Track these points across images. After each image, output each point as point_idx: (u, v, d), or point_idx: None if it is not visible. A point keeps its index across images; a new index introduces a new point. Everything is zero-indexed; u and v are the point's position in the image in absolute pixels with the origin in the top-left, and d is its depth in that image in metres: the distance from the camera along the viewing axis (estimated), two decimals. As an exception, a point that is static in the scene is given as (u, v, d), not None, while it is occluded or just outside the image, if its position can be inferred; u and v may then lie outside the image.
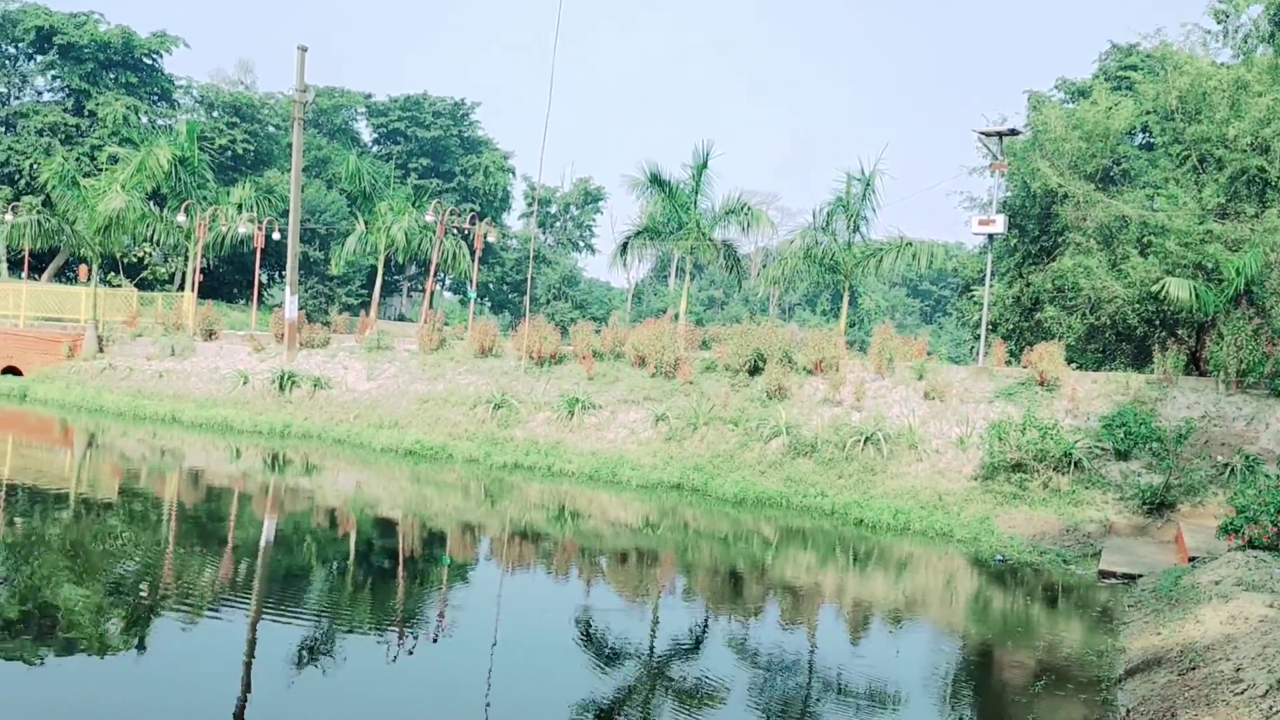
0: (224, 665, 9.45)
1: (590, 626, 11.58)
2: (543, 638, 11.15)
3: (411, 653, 10.17)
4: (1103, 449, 19.28)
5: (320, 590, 12.59)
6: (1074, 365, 24.33)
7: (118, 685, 8.78)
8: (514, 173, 79.65)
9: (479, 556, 15.60)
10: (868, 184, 29.09)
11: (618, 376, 25.23)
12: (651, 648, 10.95)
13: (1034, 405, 20.67)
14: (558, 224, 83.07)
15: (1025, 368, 22.54)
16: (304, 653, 9.87)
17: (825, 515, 18.97)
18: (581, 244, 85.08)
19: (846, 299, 31.90)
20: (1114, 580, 14.60)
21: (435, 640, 10.70)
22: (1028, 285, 29.19)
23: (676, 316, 30.11)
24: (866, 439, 20.70)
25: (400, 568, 14.07)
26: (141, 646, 9.81)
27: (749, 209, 31.76)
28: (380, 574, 13.71)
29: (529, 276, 35.72)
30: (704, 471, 21.00)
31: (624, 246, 33.09)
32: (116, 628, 10.27)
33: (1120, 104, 27.80)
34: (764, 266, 58.81)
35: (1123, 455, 19.17)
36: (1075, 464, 18.81)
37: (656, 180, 30.87)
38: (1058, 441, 18.90)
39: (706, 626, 12.06)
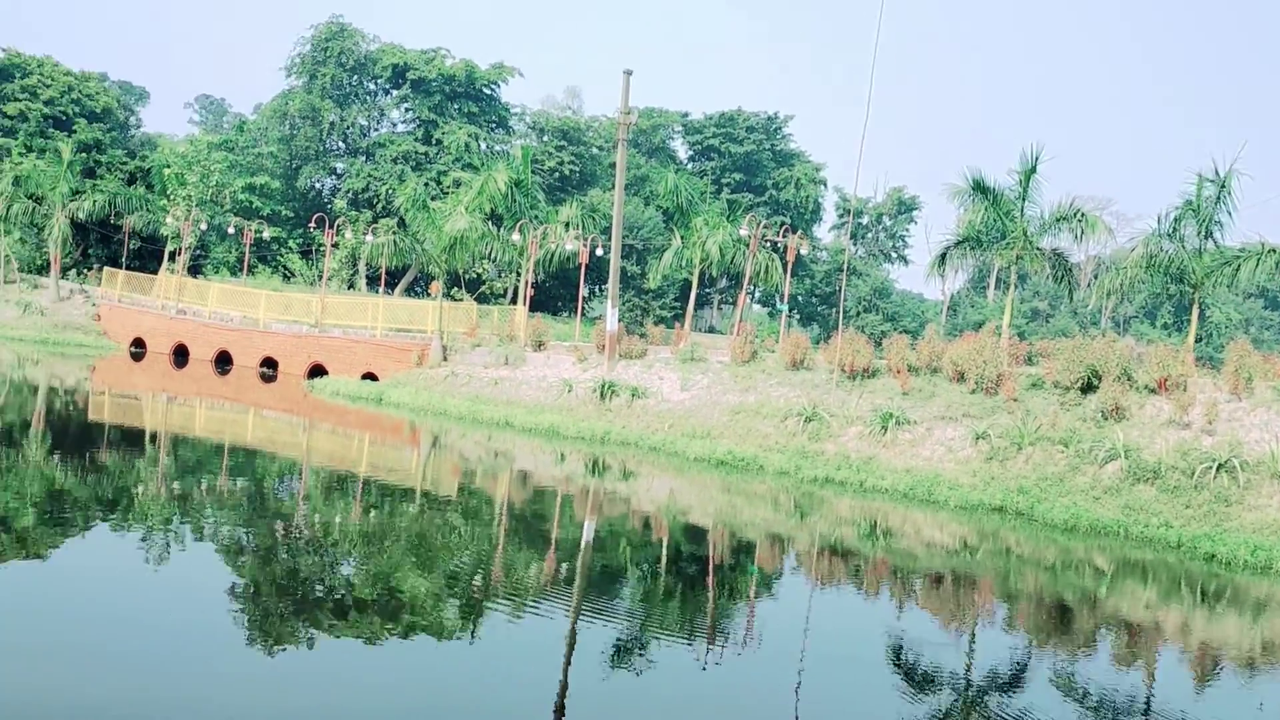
0: (546, 658, 9.92)
1: (901, 648, 11.17)
2: (851, 656, 10.89)
3: (719, 662, 10.23)
4: None
5: (634, 592, 12.97)
6: None
7: (451, 669, 9.44)
8: (825, 184, 79.14)
9: (787, 569, 15.51)
10: (1223, 185, 26.37)
11: (934, 392, 24.33)
12: (967, 676, 10.41)
13: None
14: (869, 235, 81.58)
15: None
16: (619, 652, 10.18)
17: (1169, 548, 17.30)
18: (894, 255, 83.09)
19: (1195, 311, 29.04)
20: None
21: (742, 650, 10.72)
22: None
23: (998, 329, 28.64)
24: (1220, 466, 18.68)
25: (709, 575, 14.24)
26: (473, 634, 10.49)
27: (1083, 215, 29.64)
28: (690, 580, 13.94)
29: (841, 289, 35.27)
30: (1029, 495, 19.78)
31: (942, 257, 31.93)
32: (452, 615, 11.06)
33: None
34: (1095, 277, 54.80)
35: None
36: None
37: (979, 187, 29.53)
38: None
39: (1029, 659, 11.30)
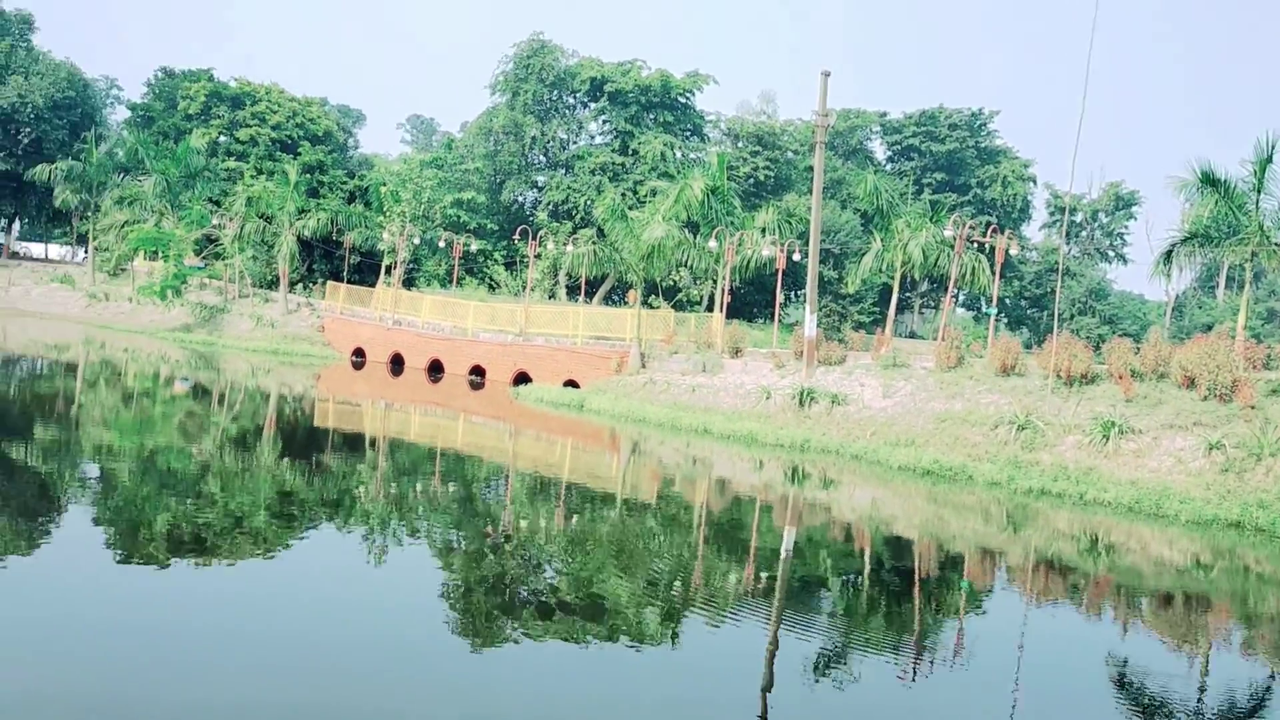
0: (746, 666, 9.80)
1: (1125, 673, 10.43)
2: (1070, 680, 10.25)
3: (927, 677, 9.83)
4: None
5: (836, 603, 12.66)
6: None
7: (652, 674, 9.45)
8: (1034, 181, 75.68)
9: (999, 584, 14.79)
10: None
11: (1160, 399, 22.75)
12: (1199, 707, 9.60)
13: None
14: (1084, 233, 77.39)
15: None
16: (820, 664, 9.94)
17: None
18: (1111, 254, 78.53)
19: None
20: None
21: (951, 668, 10.26)
22: None
23: (1232, 331, 26.50)
24: None
25: (915, 588, 13.75)
26: (674, 640, 10.48)
27: (1328, 206, 27.05)
28: (894, 593, 13.49)
29: (1056, 290, 33.48)
30: (1269, 509, 18.18)
31: (1168, 254, 29.84)
32: (653, 620, 11.09)
33: None
34: (1345, 272, 50.00)
35: None
36: None
37: (1208, 179, 27.44)
38: None
39: (1270, 690, 10.33)
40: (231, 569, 11.93)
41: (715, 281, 42.91)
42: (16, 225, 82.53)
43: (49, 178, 62.70)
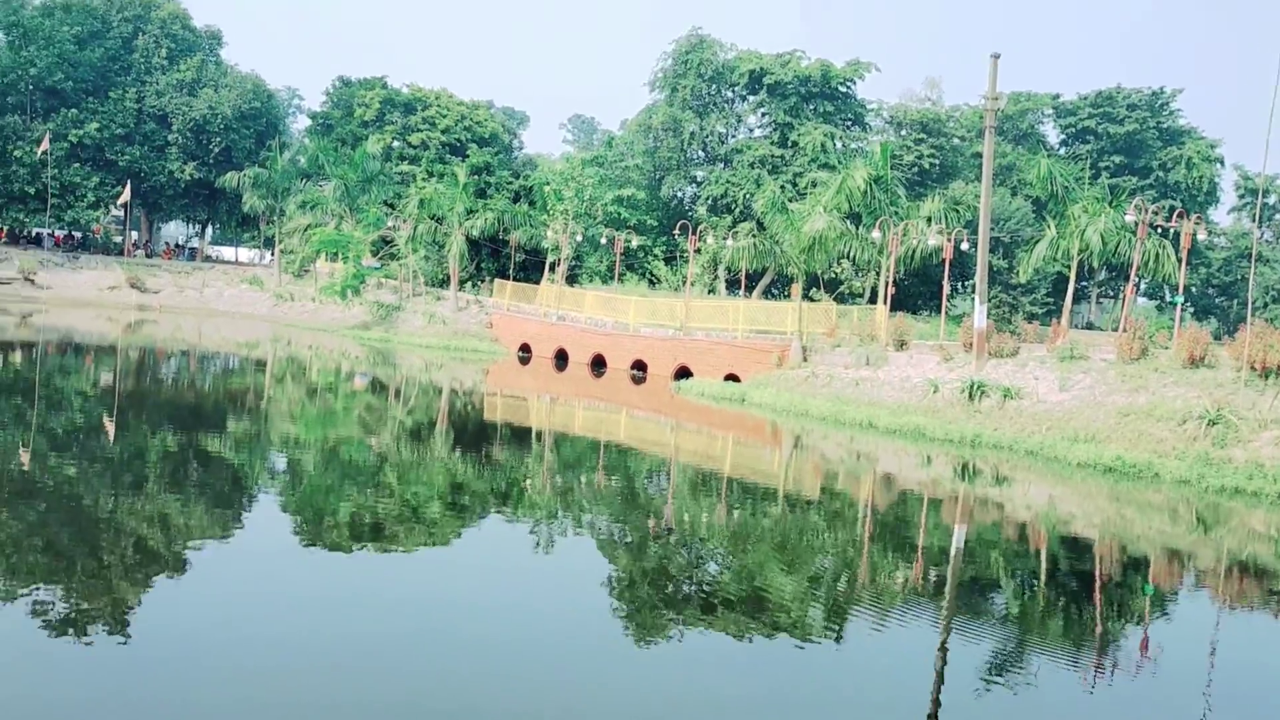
0: (915, 667, 9.55)
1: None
2: (1268, 690, 9.57)
3: (1109, 685, 9.36)
4: None
5: (1010, 604, 12.21)
6: None
7: (817, 671, 9.32)
8: (1221, 162, 71.03)
9: (1187, 588, 13.95)
10: None
11: (1370, 391, 21.01)
12: None
13: None
14: (1277, 217, 72.17)
15: None
16: (993, 667, 9.60)
17: None
18: (1312, 238, 72.90)
19: None
20: None
21: (1135, 676, 9.74)
22: None
23: None
24: None
25: (1095, 591, 13.10)
26: (839, 638, 10.31)
27: None
28: (1072, 595, 12.89)
29: (1250, 277, 31.38)
30: None
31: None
32: (817, 617, 10.94)
33: None
34: None
35: None
36: None
37: None
38: None
39: None
40: (407, 556, 12.41)
41: (879, 273, 42.03)
42: (209, 230, 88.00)
43: (238, 184, 66.62)
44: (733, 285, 59.87)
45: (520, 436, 25.13)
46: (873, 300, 46.53)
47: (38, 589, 9.71)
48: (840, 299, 51.19)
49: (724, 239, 49.73)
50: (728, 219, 62.87)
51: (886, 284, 38.57)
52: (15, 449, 16.99)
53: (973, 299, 31.25)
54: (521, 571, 12.08)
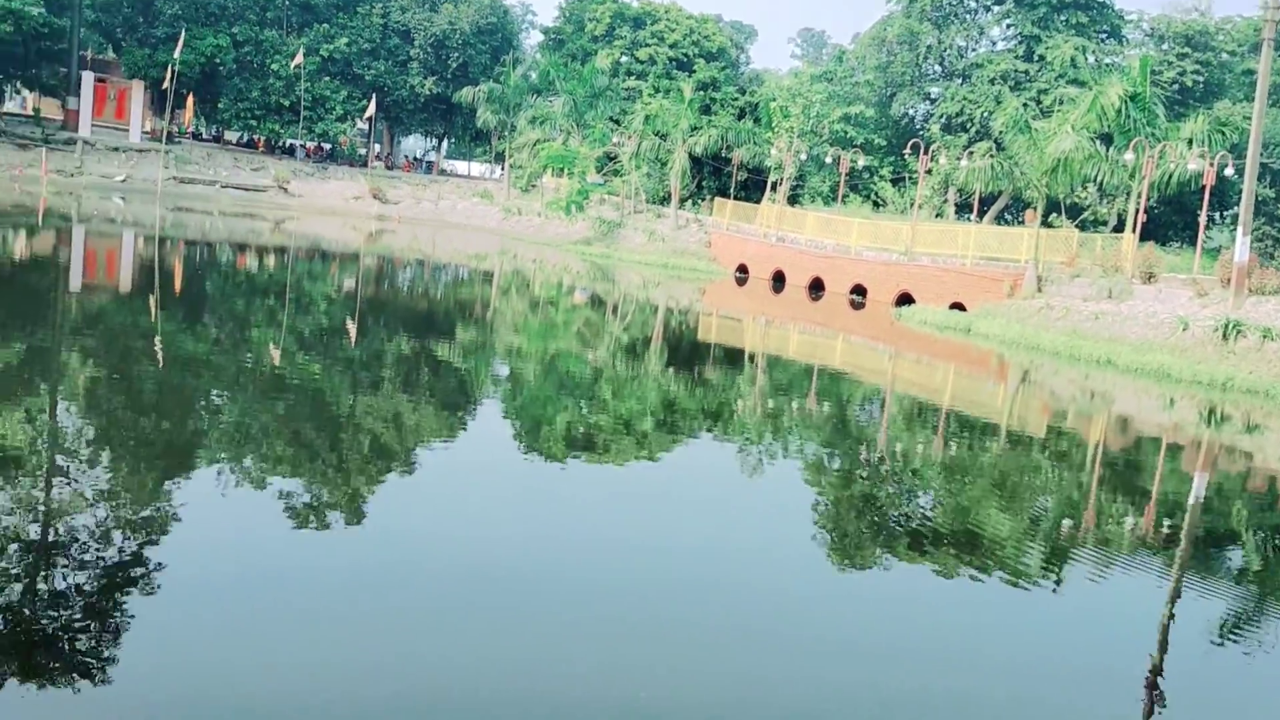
0: (1137, 620, 8.99)
1: None
2: None
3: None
4: None
5: (1250, 561, 11.26)
6: None
7: (1030, 615, 8.91)
8: None
9: None
10: None
11: None
12: None
13: None
14: None
15: None
16: (1225, 627, 8.90)
17: None
18: None
19: None
20: None
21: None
22: None
23: None
24: None
25: (1358, 557, 11.90)
26: (1057, 583, 9.82)
27: None
28: (1331, 560, 11.76)
29: None
30: None
31: None
32: (1033, 560, 10.45)
33: None
34: None
35: None
36: None
37: None
38: None
39: None
40: (619, 470, 12.67)
41: (1128, 199, 39.11)
42: (445, 144, 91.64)
43: (472, 99, 68.85)
44: (963, 209, 57.26)
45: (733, 358, 25.12)
46: (1119, 229, 43.43)
47: (283, 477, 10.51)
48: (1082, 226, 48.02)
49: (957, 159, 47.46)
50: (963, 138, 59.91)
51: (1137, 211, 35.87)
52: (267, 347, 18.39)
53: (1232, 231, 28.61)
54: (726, 492, 12.12)
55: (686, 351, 24.87)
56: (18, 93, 73.14)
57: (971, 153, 46.64)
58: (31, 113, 65.57)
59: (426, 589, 8.00)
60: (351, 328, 22.19)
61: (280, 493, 9.91)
